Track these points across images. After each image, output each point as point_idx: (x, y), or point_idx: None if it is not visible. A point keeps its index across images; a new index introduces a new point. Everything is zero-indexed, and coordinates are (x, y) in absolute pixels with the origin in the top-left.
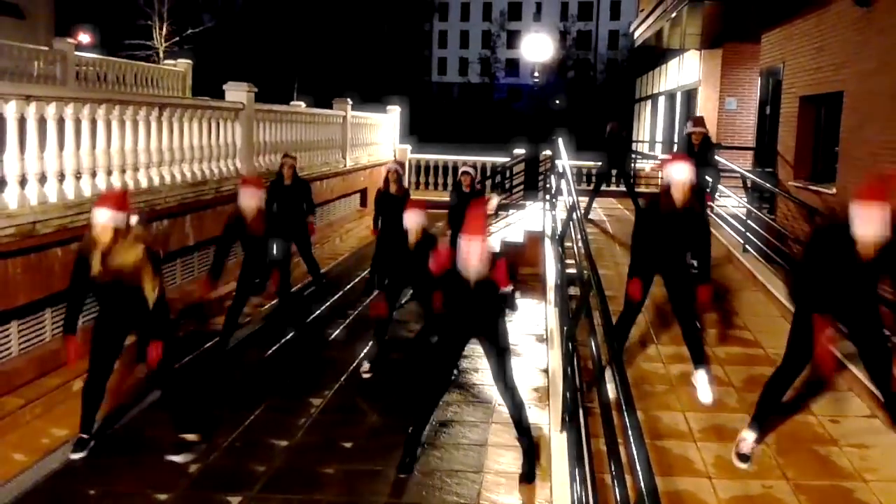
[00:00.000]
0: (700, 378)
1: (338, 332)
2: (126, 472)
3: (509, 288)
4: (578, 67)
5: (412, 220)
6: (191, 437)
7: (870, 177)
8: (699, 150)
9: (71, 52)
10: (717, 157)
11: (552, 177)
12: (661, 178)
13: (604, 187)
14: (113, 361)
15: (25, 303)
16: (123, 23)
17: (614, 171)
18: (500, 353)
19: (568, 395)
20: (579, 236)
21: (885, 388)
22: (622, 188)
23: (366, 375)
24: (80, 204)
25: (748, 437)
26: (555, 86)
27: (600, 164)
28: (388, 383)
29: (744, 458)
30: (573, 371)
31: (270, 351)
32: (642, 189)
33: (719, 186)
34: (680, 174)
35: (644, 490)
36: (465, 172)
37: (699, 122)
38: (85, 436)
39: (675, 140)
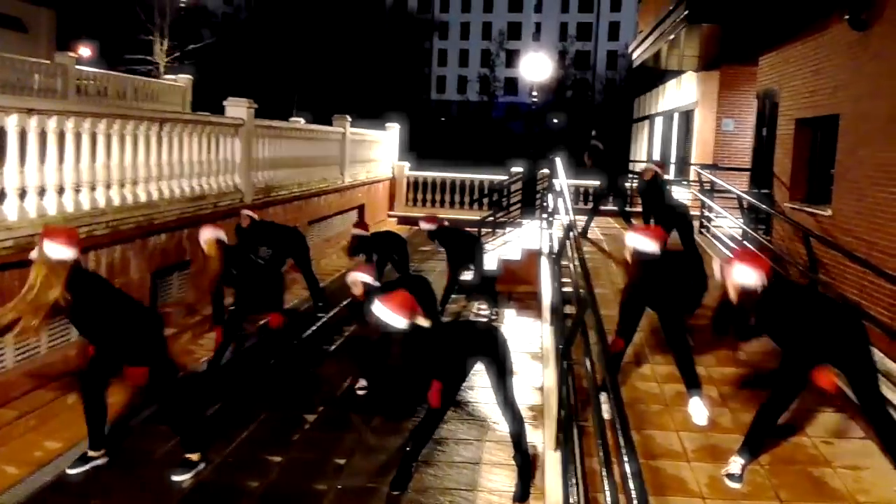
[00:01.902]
0: (694, 403)
1: (333, 348)
2: (117, 487)
3: None
4: (577, 87)
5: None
6: (193, 456)
7: None
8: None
9: (72, 65)
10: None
11: (550, 195)
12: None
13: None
14: (100, 377)
15: None
16: (124, 37)
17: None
18: (500, 373)
19: (562, 413)
20: (576, 255)
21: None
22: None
23: (360, 392)
24: (79, 217)
25: (738, 461)
26: (553, 105)
27: (598, 183)
28: (382, 400)
29: (734, 477)
30: (568, 390)
31: (265, 366)
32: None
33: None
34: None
35: None
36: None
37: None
38: (94, 453)
39: (673, 160)
